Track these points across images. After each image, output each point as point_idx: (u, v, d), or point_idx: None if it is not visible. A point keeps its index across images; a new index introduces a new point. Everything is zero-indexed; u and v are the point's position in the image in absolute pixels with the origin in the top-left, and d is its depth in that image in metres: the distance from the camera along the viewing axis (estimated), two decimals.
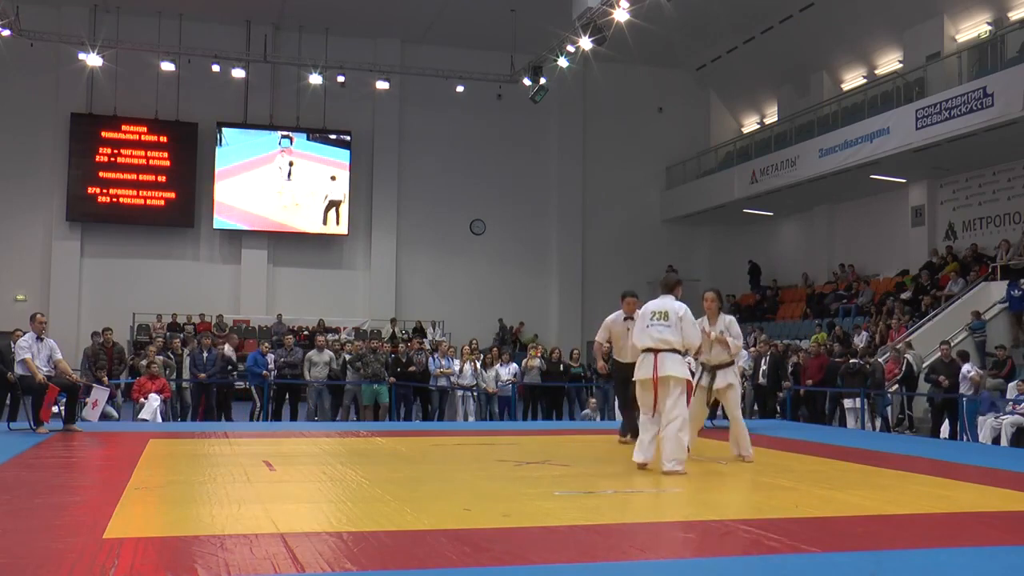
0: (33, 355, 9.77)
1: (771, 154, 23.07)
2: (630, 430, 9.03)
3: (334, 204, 25.83)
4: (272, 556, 3.88)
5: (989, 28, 19.60)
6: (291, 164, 25.52)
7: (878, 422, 14.18)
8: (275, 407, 14.87)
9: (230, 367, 14.98)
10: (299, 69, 24.21)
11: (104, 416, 12.17)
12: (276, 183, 25.51)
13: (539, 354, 16.86)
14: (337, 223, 25.81)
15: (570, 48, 20.71)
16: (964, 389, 13.59)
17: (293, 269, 25.77)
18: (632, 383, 7.81)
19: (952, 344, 15.20)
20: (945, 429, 13.64)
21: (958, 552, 4.31)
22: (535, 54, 22.60)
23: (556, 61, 21.60)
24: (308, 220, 25.72)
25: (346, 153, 25.89)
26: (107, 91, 23.92)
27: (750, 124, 28.30)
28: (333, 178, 25.80)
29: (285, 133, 25.47)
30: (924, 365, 15.62)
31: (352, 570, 3.68)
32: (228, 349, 15.38)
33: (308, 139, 25.65)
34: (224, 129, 24.98)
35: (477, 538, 4.32)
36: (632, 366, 8.78)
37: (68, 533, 4.38)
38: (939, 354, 14.60)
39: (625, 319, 9.12)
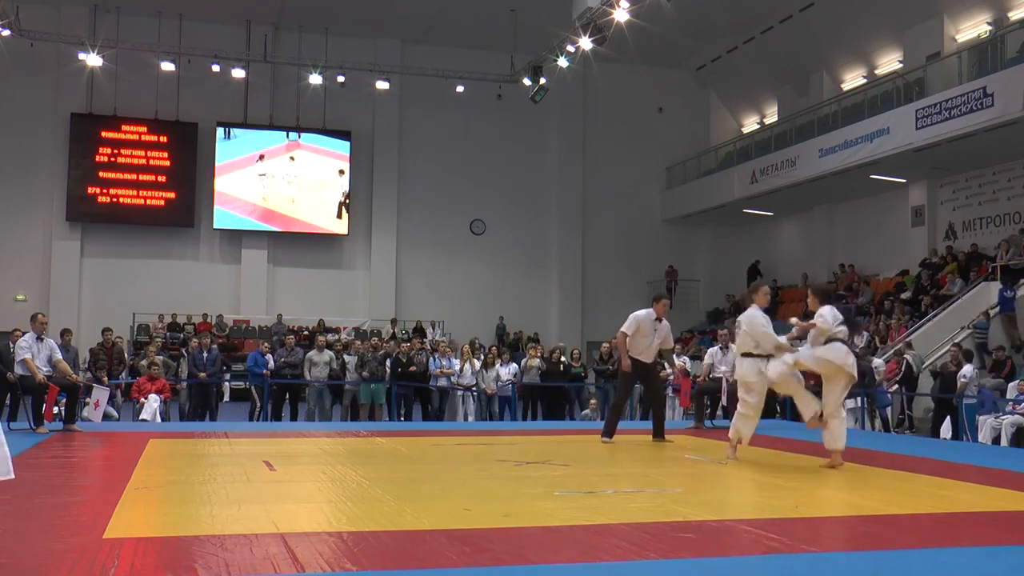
0: (33, 355, 9.76)
1: (771, 154, 23.07)
2: (609, 432, 9.50)
3: (346, 196, 25.91)
4: (272, 556, 3.88)
5: (989, 28, 19.61)
6: (292, 159, 25.58)
7: (878, 422, 14.18)
8: (275, 407, 14.87)
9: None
10: (299, 69, 24.23)
11: (104, 416, 12.16)
12: (279, 178, 25.57)
13: (539, 354, 16.84)
14: (341, 216, 25.90)
15: (570, 48, 20.72)
16: (969, 390, 13.59)
17: (293, 269, 25.78)
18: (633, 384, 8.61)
19: (958, 346, 15.19)
20: (947, 429, 13.64)
21: (958, 552, 4.31)
22: (535, 54, 22.60)
23: (556, 61, 21.60)
24: (310, 215, 25.75)
25: (346, 145, 25.98)
26: (107, 91, 23.93)
27: (750, 124, 28.30)
28: (341, 172, 25.86)
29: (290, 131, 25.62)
30: (924, 365, 15.62)
31: (352, 570, 3.68)
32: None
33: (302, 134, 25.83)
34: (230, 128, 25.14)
35: (477, 538, 4.31)
36: (644, 367, 9.58)
37: (68, 533, 4.37)
38: (948, 356, 14.62)
39: (655, 320, 9.45)
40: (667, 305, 9.66)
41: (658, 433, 9.69)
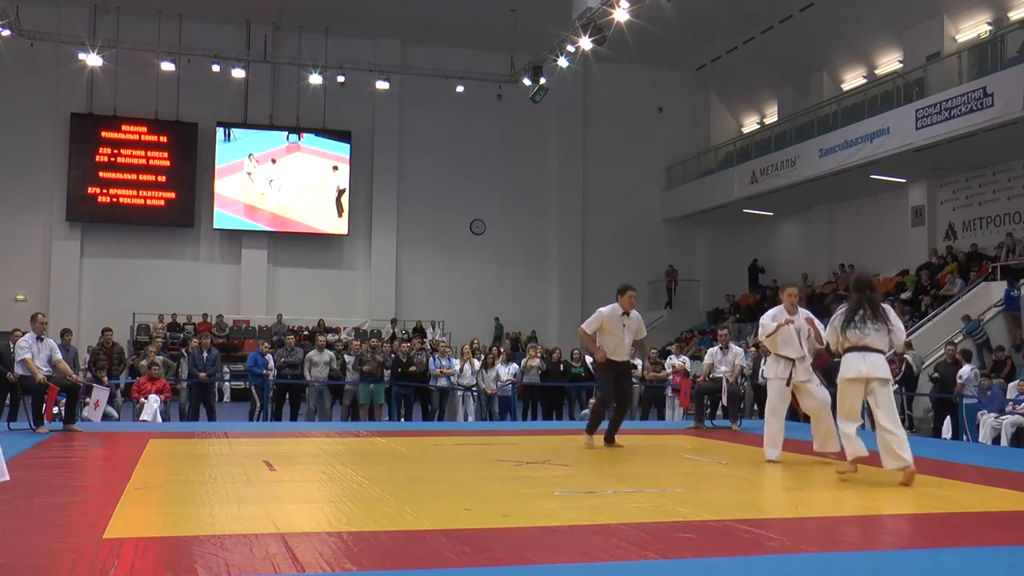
0: (33, 355, 9.76)
1: (771, 154, 23.07)
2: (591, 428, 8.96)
3: (341, 193, 25.89)
4: (272, 556, 3.88)
5: (989, 28, 19.61)
6: (273, 161, 25.60)
7: None
8: (275, 407, 14.86)
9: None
10: (299, 69, 24.22)
11: (104, 416, 12.16)
12: (279, 180, 25.57)
13: (539, 354, 16.84)
14: (341, 214, 25.89)
15: (570, 48, 20.72)
16: (969, 389, 13.59)
17: (293, 269, 25.78)
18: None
19: (953, 345, 15.21)
20: (947, 429, 13.65)
21: (958, 552, 4.31)
22: (535, 54, 22.61)
23: (556, 61, 21.60)
24: (310, 216, 25.75)
25: (346, 147, 25.96)
26: (107, 91, 23.92)
27: (750, 124, 28.30)
28: (335, 168, 25.84)
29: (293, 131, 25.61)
30: (924, 365, 15.62)
31: (352, 570, 3.68)
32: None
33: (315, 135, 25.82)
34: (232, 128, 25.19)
35: (477, 538, 4.31)
36: (617, 366, 8.85)
37: (68, 533, 4.38)
38: (944, 356, 14.63)
39: (622, 315, 8.77)
40: (634, 297, 8.86)
41: (610, 437, 8.97)
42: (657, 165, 28.20)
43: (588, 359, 16.75)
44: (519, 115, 26.11)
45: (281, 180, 25.58)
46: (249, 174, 25.33)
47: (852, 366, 6.54)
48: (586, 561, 3.97)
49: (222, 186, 25.03)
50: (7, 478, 4.32)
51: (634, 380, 16.25)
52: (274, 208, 25.52)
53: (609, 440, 8.93)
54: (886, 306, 6.85)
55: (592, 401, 15.79)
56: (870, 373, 6.46)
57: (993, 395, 13.13)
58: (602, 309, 8.87)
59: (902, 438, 6.29)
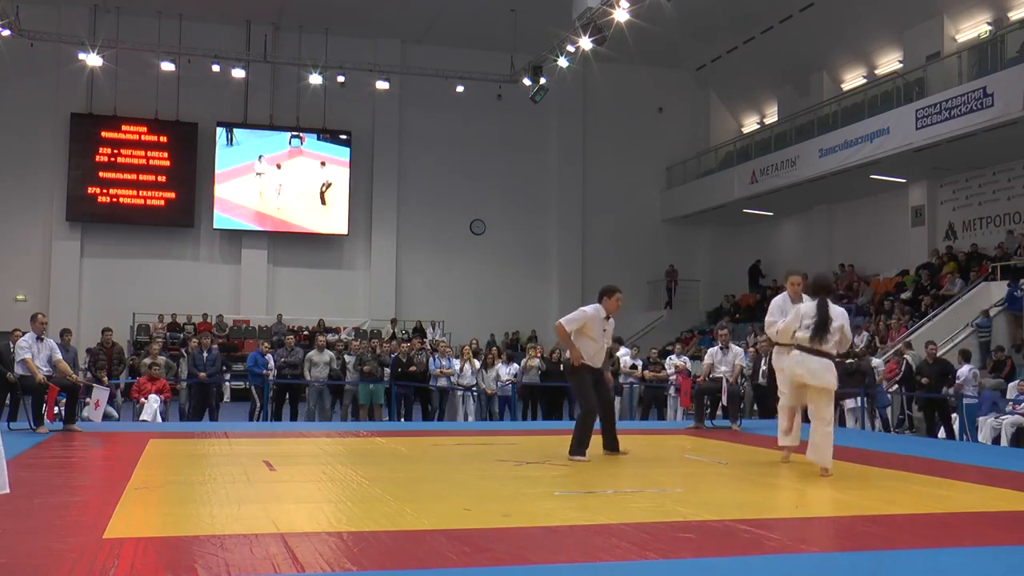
0: (33, 355, 9.76)
1: (771, 154, 23.08)
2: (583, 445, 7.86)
3: (327, 187, 25.85)
4: (272, 556, 3.88)
5: (989, 28, 19.61)
6: (278, 167, 25.58)
7: (878, 422, 14.18)
8: (275, 407, 14.86)
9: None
10: (299, 69, 24.22)
11: (104, 416, 12.16)
12: (279, 184, 25.55)
13: (539, 354, 16.84)
14: (323, 203, 25.82)
15: (570, 48, 20.72)
16: (968, 389, 13.57)
17: (293, 269, 25.78)
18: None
19: (952, 344, 15.19)
20: (941, 431, 13.62)
21: (958, 552, 4.31)
22: (535, 54, 22.61)
23: (556, 61, 21.61)
24: (309, 217, 25.73)
25: (345, 150, 25.94)
26: (107, 91, 23.93)
27: (750, 124, 28.30)
28: (323, 164, 25.79)
29: (295, 134, 25.54)
30: None
31: (352, 570, 3.68)
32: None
33: (317, 139, 25.78)
34: (235, 129, 25.19)
35: (477, 538, 4.32)
36: (594, 372, 8.10)
37: (68, 533, 4.38)
38: (926, 356, 14.60)
39: (604, 318, 8.07)
40: (620, 300, 8.08)
41: (609, 445, 8.29)
42: (657, 165, 28.20)
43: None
44: (519, 115, 26.12)
45: (284, 184, 25.57)
46: (260, 174, 25.30)
47: (792, 368, 7.04)
48: (586, 561, 3.97)
49: (223, 190, 25.01)
50: (7, 491, 4.30)
51: (633, 381, 16.33)
52: (275, 211, 25.51)
53: (609, 448, 8.28)
54: (837, 311, 7.02)
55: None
56: (809, 381, 6.92)
57: (983, 399, 13.13)
58: (586, 308, 8.09)
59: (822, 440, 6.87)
